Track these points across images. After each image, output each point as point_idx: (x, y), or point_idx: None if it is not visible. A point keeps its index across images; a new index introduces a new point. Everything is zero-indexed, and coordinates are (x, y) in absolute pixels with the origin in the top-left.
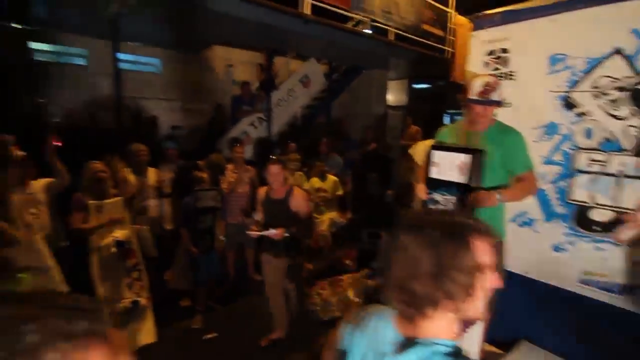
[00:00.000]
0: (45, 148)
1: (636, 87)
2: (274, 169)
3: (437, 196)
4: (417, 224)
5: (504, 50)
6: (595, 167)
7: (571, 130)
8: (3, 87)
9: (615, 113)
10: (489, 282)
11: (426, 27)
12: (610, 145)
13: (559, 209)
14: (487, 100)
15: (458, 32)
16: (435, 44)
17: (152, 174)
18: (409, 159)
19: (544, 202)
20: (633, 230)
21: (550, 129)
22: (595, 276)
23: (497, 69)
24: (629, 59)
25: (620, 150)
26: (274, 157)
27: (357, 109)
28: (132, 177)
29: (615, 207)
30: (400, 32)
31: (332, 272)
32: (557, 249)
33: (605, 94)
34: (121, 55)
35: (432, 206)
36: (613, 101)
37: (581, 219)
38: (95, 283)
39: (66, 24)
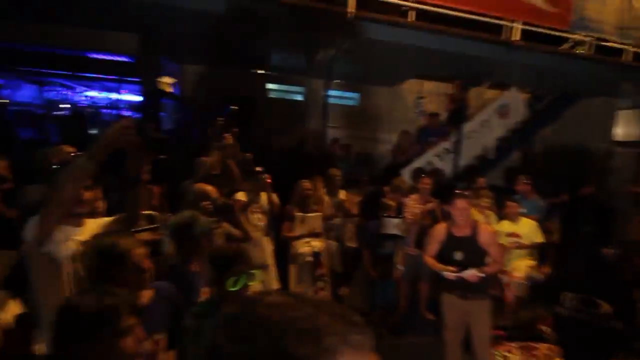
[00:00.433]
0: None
1: None
2: (460, 204)
3: None
4: None
5: None
6: None
7: None
8: (248, 119)
9: None
10: None
11: None
12: None
13: None
14: None
15: None
16: None
17: (342, 196)
18: None
19: None
20: None
21: None
22: None
23: None
24: None
25: None
26: (460, 191)
27: (568, 143)
28: (326, 197)
29: None
30: None
31: (522, 335)
32: None
33: None
34: (330, 91)
35: None
36: None
37: None
38: (290, 285)
39: (290, 67)
